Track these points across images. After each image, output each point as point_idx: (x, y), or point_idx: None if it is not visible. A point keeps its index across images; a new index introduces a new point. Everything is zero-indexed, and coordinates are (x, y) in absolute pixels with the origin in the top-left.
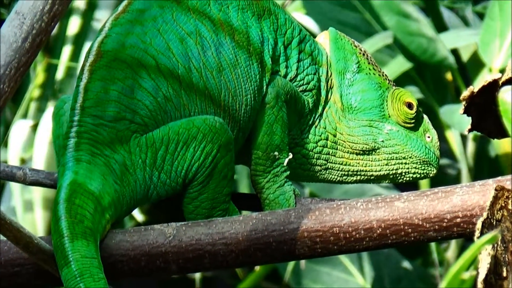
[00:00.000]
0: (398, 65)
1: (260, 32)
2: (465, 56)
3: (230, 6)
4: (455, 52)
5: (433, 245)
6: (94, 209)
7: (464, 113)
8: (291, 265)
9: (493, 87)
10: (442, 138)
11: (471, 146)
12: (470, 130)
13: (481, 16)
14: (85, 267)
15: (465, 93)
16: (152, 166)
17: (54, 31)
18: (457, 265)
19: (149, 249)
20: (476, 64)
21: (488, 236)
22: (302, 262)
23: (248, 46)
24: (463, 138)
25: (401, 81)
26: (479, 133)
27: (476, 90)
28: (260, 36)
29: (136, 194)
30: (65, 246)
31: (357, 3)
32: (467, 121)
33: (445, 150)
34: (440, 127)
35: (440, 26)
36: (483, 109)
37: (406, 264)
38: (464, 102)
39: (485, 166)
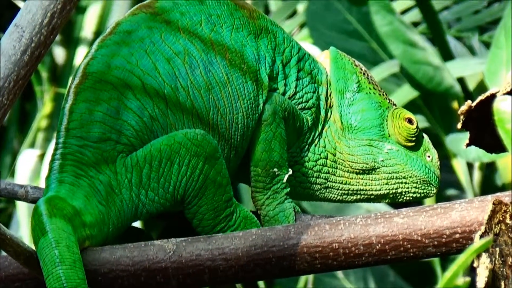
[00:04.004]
0: (405, 93)
1: (256, 50)
2: (472, 85)
3: (224, 25)
4: (461, 80)
5: (440, 274)
6: (74, 214)
7: (462, 127)
8: None
9: (490, 101)
10: (449, 168)
11: (477, 175)
12: (468, 145)
13: (487, 45)
14: (62, 237)
15: (463, 108)
16: (138, 185)
17: (61, 61)
18: (451, 270)
19: (149, 265)
20: (482, 92)
21: (481, 241)
22: None
23: (242, 64)
24: (470, 167)
25: (408, 109)
26: (485, 162)
27: (473, 104)
28: (256, 54)
29: (123, 214)
30: (43, 221)
31: (364, 32)
32: (474, 149)
33: (452, 180)
34: (446, 156)
35: (447, 55)
36: (481, 124)
37: None
38: (462, 117)
39: None
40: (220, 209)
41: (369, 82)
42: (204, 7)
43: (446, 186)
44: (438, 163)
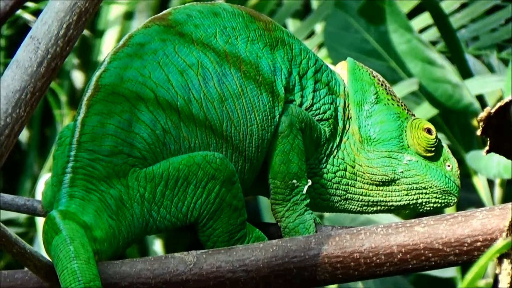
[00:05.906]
0: (424, 111)
1: (272, 62)
2: (491, 102)
3: (239, 37)
4: (480, 98)
5: None
6: (84, 227)
7: (481, 134)
8: None
9: (509, 108)
10: (470, 186)
11: (498, 192)
12: (488, 152)
13: (505, 62)
14: (76, 235)
15: (482, 114)
16: (151, 200)
17: (80, 84)
18: (472, 272)
19: (170, 277)
20: None
21: (503, 242)
22: None
23: (257, 76)
24: (491, 185)
25: None
26: (506, 178)
27: (493, 111)
28: (272, 66)
29: (133, 228)
30: (57, 222)
31: (382, 51)
32: (495, 165)
33: (473, 198)
34: (466, 174)
35: (465, 73)
36: (500, 130)
37: None
38: (481, 123)
39: None
40: (234, 231)
41: (387, 93)
42: (219, 19)
43: (468, 205)
44: (458, 172)
